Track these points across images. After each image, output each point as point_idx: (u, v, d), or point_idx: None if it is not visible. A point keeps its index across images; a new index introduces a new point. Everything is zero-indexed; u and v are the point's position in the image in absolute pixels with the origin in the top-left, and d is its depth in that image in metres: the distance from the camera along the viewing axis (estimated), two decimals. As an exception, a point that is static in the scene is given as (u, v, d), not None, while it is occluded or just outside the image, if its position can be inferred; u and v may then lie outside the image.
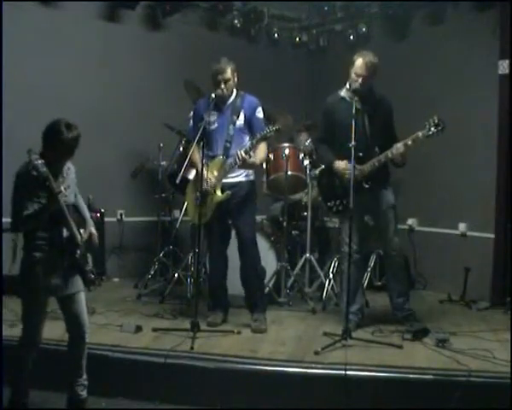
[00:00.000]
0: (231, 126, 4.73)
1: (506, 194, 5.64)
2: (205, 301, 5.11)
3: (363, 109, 4.53)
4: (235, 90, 4.78)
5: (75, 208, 3.59)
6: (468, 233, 5.95)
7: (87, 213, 3.67)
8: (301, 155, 5.61)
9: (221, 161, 4.72)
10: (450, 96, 5.93)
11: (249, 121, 4.76)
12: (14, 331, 3.75)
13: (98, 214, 6.24)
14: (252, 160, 4.67)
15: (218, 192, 4.71)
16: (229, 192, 4.70)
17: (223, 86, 4.67)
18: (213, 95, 4.62)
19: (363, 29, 6.88)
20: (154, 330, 4.51)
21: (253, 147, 4.67)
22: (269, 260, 5.45)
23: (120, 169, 6.41)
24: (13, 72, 5.56)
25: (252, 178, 4.87)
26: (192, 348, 4.09)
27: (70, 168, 3.55)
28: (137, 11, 6.53)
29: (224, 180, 4.73)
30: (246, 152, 4.59)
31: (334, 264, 5.66)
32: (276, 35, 7.22)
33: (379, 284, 6.16)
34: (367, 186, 4.51)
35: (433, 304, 5.54)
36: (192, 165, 4.84)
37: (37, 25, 5.95)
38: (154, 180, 6.23)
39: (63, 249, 3.41)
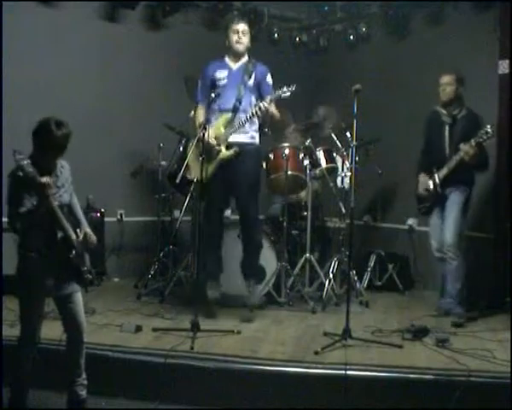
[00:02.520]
0: (242, 87, 4.87)
1: (506, 194, 5.64)
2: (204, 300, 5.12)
3: (446, 120, 4.90)
4: (246, 55, 4.97)
5: (69, 208, 3.58)
6: (468, 233, 5.95)
7: (80, 213, 3.64)
8: (301, 155, 5.61)
9: (229, 118, 4.83)
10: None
11: (259, 85, 4.93)
12: (14, 331, 3.75)
13: (98, 214, 6.25)
14: (272, 109, 4.81)
15: (224, 149, 4.79)
16: (236, 149, 4.79)
17: (240, 36, 4.85)
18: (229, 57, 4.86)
19: (363, 29, 6.89)
20: (154, 330, 4.51)
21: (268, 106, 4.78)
22: (269, 260, 5.45)
23: (120, 169, 6.40)
24: (13, 72, 5.56)
25: (257, 141, 4.97)
26: (192, 348, 4.09)
27: (64, 166, 3.52)
28: (137, 11, 6.53)
29: (231, 140, 4.82)
30: (268, 103, 4.72)
31: (334, 264, 5.66)
32: (276, 35, 7.23)
33: (379, 283, 6.17)
34: (439, 191, 4.98)
35: (434, 304, 5.54)
36: (196, 122, 4.88)
37: (37, 25, 5.95)
38: (154, 180, 6.22)
39: (58, 250, 3.40)
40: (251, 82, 4.90)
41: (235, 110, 4.83)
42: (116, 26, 6.45)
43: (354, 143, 4.48)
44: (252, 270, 5.05)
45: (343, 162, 5.73)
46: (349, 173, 5.58)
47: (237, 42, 4.86)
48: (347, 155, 5.61)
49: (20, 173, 3.21)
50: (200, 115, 4.87)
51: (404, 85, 6.56)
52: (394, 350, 4.21)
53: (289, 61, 7.37)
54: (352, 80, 4.57)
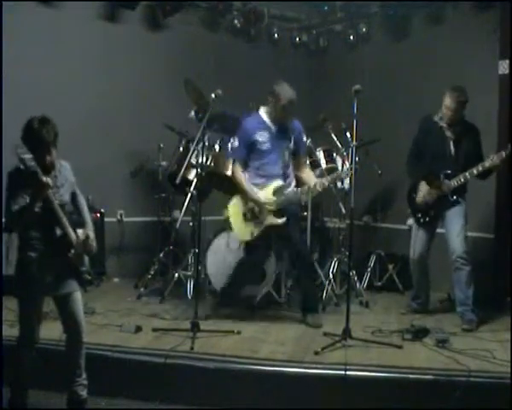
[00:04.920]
0: (286, 152, 4.87)
1: (506, 194, 5.64)
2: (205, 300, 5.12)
3: (451, 136, 4.96)
4: None
5: (75, 209, 3.58)
6: (469, 233, 5.94)
7: (87, 215, 3.64)
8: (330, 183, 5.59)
9: (279, 186, 4.82)
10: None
11: (296, 144, 4.92)
12: (14, 331, 3.74)
13: (98, 214, 6.24)
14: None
15: (272, 216, 4.79)
16: (285, 219, 4.78)
17: (291, 109, 4.76)
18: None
19: (363, 29, 6.90)
20: (154, 330, 4.51)
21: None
22: (269, 260, 5.44)
23: (120, 169, 6.40)
24: (12, 72, 5.56)
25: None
26: (192, 348, 4.10)
27: (63, 166, 3.52)
28: (137, 11, 6.53)
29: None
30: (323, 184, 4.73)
31: (334, 264, 5.65)
32: (276, 35, 7.23)
33: (379, 284, 6.18)
34: (454, 199, 4.95)
35: (433, 304, 5.54)
36: (235, 186, 4.86)
37: (37, 25, 5.95)
38: (154, 180, 6.22)
39: (56, 249, 3.40)
40: (292, 144, 4.89)
41: (284, 178, 4.87)
42: (116, 26, 6.45)
43: (354, 143, 4.48)
44: (315, 302, 5.08)
45: (343, 162, 5.73)
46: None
47: (287, 114, 4.77)
48: (347, 155, 5.61)
49: (22, 167, 3.22)
50: (239, 173, 4.84)
51: (404, 85, 6.55)
52: (394, 350, 4.21)
53: (289, 61, 7.37)
54: (352, 80, 4.58)
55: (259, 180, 4.84)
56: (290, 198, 4.81)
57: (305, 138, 5.04)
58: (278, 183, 4.84)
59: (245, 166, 4.86)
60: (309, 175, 5.01)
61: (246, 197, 4.86)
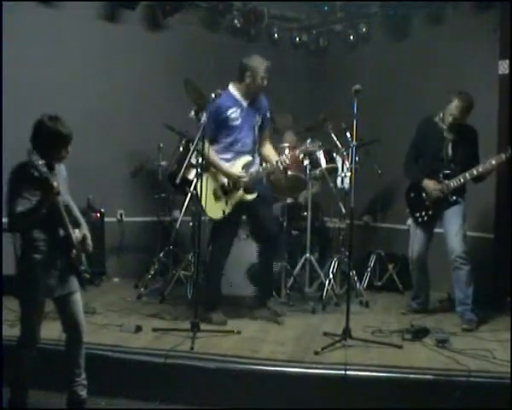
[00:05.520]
0: (256, 128, 4.87)
1: (506, 194, 5.65)
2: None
3: (450, 137, 4.99)
4: None
5: (67, 209, 3.57)
6: (468, 233, 5.94)
7: (79, 215, 3.63)
8: (301, 155, 5.60)
9: (249, 161, 4.83)
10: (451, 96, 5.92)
11: (262, 120, 4.93)
12: (14, 331, 3.75)
13: (98, 214, 6.25)
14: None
15: (242, 191, 4.78)
16: (257, 193, 4.81)
17: (265, 83, 4.74)
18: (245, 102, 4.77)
19: (363, 29, 6.91)
20: (154, 330, 4.51)
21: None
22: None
23: (120, 169, 6.40)
24: (12, 72, 5.56)
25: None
26: (192, 348, 4.10)
27: (61, 166, 3.52)
28: (137, 11, 6.53)
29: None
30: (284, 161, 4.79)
31: (334, 264, 5.66)
32: (276, 35, 7.24)
33: (379, 284, 6.18)
34: (453, 199, 4.98)
35: (433, 304, 5.55)
36: (208, 164, 4.76)
37: (37, 25, 5.95)
38: (154, 180, 6.23)
39: (60, 249, 3.40)
40: (259, 120, 4.89)
41: (253, 153, 4.88)
42: (116, 26, 6.45)
43: (354, 143, 4.48)
44: (268, 292, 5.11)
45: (343, 162, 5.73)
46: (349, 173, 5.58)
47: (263, 84, 4.74)
48: (347, 155, 5.61)
49: (36, 173, 3.20)
50: (212, 154, 4.75)
51: (404, 85, 6.56)
52: (394, 350, 4.21)
53: (289, 61, 7.37)
54: (352, 80, 4.58)
55: (229, 155, 4.80)
56: (256, 176, 4.84)
57: (269, 114, 5.00)
58: (247, 158, 4.84)
59: (213, 143, 4.80)
60: (270, 152, 4.98)
61: (217, 174, 4.81)
